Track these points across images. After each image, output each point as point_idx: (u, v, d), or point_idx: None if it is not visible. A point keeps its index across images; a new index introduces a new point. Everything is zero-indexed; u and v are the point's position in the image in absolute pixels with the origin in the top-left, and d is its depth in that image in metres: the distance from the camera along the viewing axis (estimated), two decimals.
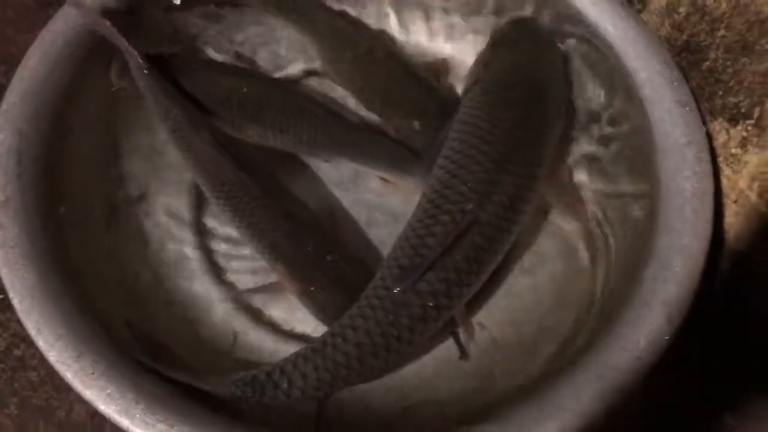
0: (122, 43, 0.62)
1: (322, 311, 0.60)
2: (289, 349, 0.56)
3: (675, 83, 0.60)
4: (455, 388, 0.58)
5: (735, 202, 0.58)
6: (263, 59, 0.74)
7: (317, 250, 0.60)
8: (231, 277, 0.65)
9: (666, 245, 0.54)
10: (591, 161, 0.66)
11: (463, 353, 0.60)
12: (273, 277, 0.62)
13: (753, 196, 0.56)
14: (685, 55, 0.64)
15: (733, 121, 0.59)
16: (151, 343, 0.55)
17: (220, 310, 0.63)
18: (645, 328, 0.51)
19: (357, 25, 0.72)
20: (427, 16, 0.75)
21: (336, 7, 0.73)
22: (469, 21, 0.73)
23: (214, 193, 0.62)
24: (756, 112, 0.56)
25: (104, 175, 0.65)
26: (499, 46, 0.65)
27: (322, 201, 0.68)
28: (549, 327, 0.59)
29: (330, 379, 0.51)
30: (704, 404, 0.57)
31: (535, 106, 0.60)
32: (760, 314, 0.56)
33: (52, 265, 0.53)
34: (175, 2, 0.69)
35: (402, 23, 0.75)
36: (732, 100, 0.59)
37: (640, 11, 0.68)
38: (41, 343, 0.50)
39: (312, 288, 0.59)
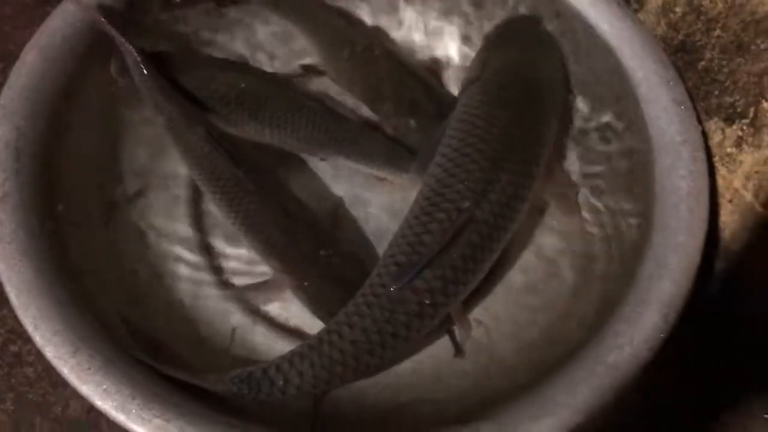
0: (118, 39, 0.62)
1: (316, 306, 0.60)
2: (286, 345, 0.56)
3: (671, 82, 0.60)
4: (451, 386, 0.58)
5: (730, 201, 0.58)
6: (261, 56, 0.74)
7: (311, 245, 0.60)
8: (229, 274, 0.65)
9: (661, 243, 0.54)
10: (587, 160, 0.66)
11: (459, 351, 0.60)
12: (269, 273, 0.62)
13: (748, 196, 0.56)
14: (681, 55, 0.64)
15: (729, 120, 0.59)
16: (148, 340, 0.55)
17: (217, 307, 0.63)
18: (641, 325, 0.51)
19: (354, 23, 0.73)
20: (425, 14, 0.75)
21: (334, 4, 0.73)
22: (467, 19, 0.74)
23: (209, 189, 0.62)
24: (751, 112, 0.57)
25: (102, 172, 0.65)
26: (496, 44, 0.66)
27: (320, 198, 0.68)
28: (545, 324, 0.60)
29: (326, 376, 0.51)
30: (701, 404, 0.58)
31: (531, 104, 0.60)
32: (756, 314, 0.56)
33: (50, 261, 0.53)
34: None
35: (400, 21, 0.75)
36: (727, 99, 0.59)
37: (636, 11, 0.69)
38: (38, 338, 0.50)
39: (305, 283, 0.59)
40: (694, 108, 0.60)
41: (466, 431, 0.48)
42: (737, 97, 0.58)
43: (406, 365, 0.59)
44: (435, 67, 0.75)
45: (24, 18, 0.75)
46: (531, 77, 0.62)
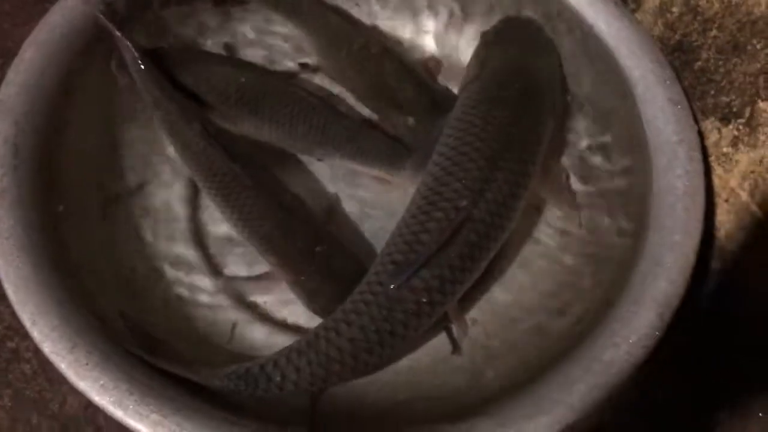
0: (115, 34, 0.62)
1: (312, 301, 0.60)
2: (283, 341, 0.56)
3: (667, 82, 0.61)
4: (448, 383, 0.58)
5: (726, 201, 0.59)
6: (260, 53, 0.75)
7: (307, 240, 0.60)
8: (226, 269, 0.65)
9: (657, 242, 0.54)
10: (584, 159, 0.66)
11: (456, 348, 0.60)
12: (265, 268, 0.62)
13: (744, 195, 0.57)
14: (678, 55, 0.64)
15: (725, 120, 0.59)
16: (145, 336, 0.54)
17: (215, 303, 0.63)
18: (636, 323, 0.51)
19: (352, 21, 0.73)
20: (424, 13, 0.75)
21: (332, 2, 0.73)
22: (465, 18, 0.74)
23: (206, 184, 0.62)
24: (747, 112, 0.57)
25: (101, 168, 0.65)
26: (494, 43, 0.66)
27: (317, 196, 0.68)
28: (541, 322, 0.60)
29: (323, 373, 0.51)
30: (699, 402, 0.58)
31: (529, 103, 0.60)
32: (752, 313, 0.56)
33: (48, 257, 0.53)
34: None
35: (399, 19, 0.76)
36: (723, 99, 0.60)
37: (634, 10, 0.69)
38: (35, 334, 0.50)
39: (302, 278, 0.60)
40: (691, 108, 0.60)
41: (463, 427, 0.49)
42: (733, 97, 0.58)
43: (403, 363, 0.59)
44: (433, 65, 0.75)
45: (23, 14, 0.75)
46: (528, 76, 0.62)
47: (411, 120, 0.67)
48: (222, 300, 0.63)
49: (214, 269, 0.65)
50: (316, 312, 0.60)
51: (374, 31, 0.75)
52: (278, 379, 0.51)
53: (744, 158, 0.57)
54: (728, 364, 0.57)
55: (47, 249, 0.54)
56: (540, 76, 0.63)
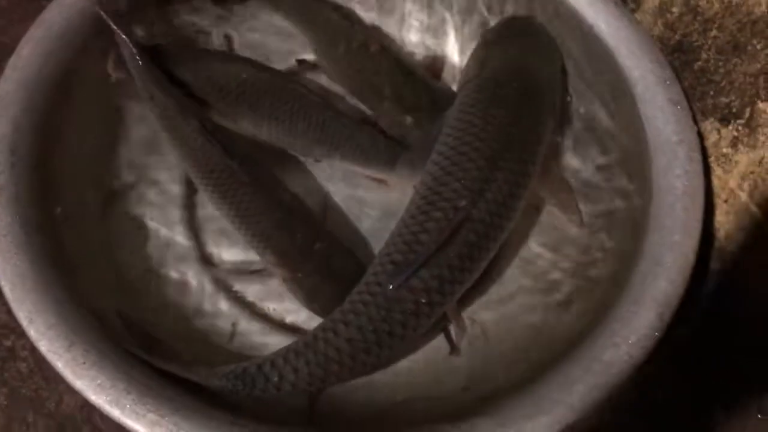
0: (115, 29, 0.62)
1: (309, 299, 0.60)
2: (281, 341, 0.56)
3: (667, 82, 0.60)
4: (447, 384, 0.58)
5: (725, 201, 0.59)
6: (258, 52, 0.74)
7: (306, 238, 0.60)
8: (224, 268, 0.65)
9: (657, 242, 0.54)
10: (583, 158, 0.66)
11: (454, 348, 0.60)
12: (261, 264, 0.62)
13: (743, 196, 0.57)
14: (678, 55, 0.64)
15: (724, 121, 0.59)
16: (143, 335, 0.54)
17: (212, 302, 0.63)
18: (635, 323, 0.51)
19: (351, 18, 0.72)
20: (423, 12, 0.75)
21: (331, 0, 0.73)
22: (465, 18, 0.74)
23: (203, 181, 0.62)
24: (747, 113, 0.57)
25: (98, 165, 0.65)
26: (493, 43, 0.66)
27: (315, 195, 0.68)
28: (540, 322, 0.60)
29: (322, 373, 0.51)
30: (698, 402, 0.58)
31: (529, 103, 0.60)
32: (752, 313, 0.56)
33: (45, 254, 0.53)
34: None
35: (397, 18, 0.75)
36: (723, 100, 0.59)
37: (633, 10, 0.69)
38: (32, 332, 0.49)
39: (300, 275, 0.59)
40: (690, 108, 0.60)
41: (464, 427, 0.48)
42: (733, 98, 0.58)
43: (402, 363, 0.59)
44: (432, 64, 0.75)
45: (19, 11, 0.75)
46: (528, 76, 0.62)
47: (409, 119, 0.67)
48: (220, 299, 0.63)
49: (212, 268, 0.65)
50: (314, 311, 0.60)
51: (373, 29, 0.75)
52: (276, 379, 0.51)
53: (743, 159, 0.57)
54: (728, 364, 0.57)
55: (45, 247, 0.54)
56: (540, 76, 0.63)
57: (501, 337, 0.60)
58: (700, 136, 0.60)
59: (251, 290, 0.64)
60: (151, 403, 0.47)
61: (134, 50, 0.62)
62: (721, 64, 0.60)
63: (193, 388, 0.50)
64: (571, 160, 0.67)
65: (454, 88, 0.71)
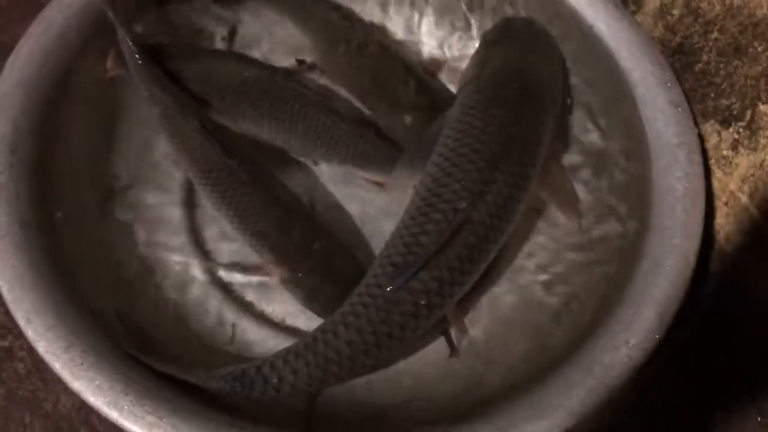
0: (118, 27, 0.62)
1: (309, 299, 0.60)
2: (280, 343, 0.56)
3: (668, 84, 0.61)
4: (446, 386, 0.58)
5: (725, 203, 0.59)
6: (258, 50, 0.74)
7: (304, 237, 0.60)
8: (222, 269, 0.65)
9: (657, 244, 0.54)
10: (584, 160, 0.66)
11: (454, 351, 0.60)
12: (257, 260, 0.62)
13: (743, 198, 0.57)
14: (679, 57, 0.64)
15: (725, 123, 0.59)
16: (141, 336, 0.54)
17: (211, 304, 0.63)
18: (635, 326, 0.51)
19: (351, 18, 0.72)
20: (423, 12, 0.75)
21: (332, 1, 0.73)
22: (465, 18, 0.74)
23: (202, 180, 0.61)
24: (747, 115, 0.57)
25: (97, 165, 0.65)
26: (494, 44, 0.66)
27: (315, 195, 0.68)
28: (540, 325, 0.60)
29: (321, 375, 0.51)
30: (698, 403, 0.58)
31: (529, 104, 0.60)
32: (752, 313, 0.56)
33: (43, 255, 0.53)
34: None
35: (397, 18, 0.75)
36: (724, 102, 0.59)
37: (634, 12, 0.69)
38: (30, 333, 0.49)
39: (299, 274, 0.59)
40: (691, 110, 0.60)
41: (464, 428, 0.48)
42: (734, 100, 0.58)
43: (402, 365, 0.59)
44: (432, 64, 0.74)
45: (18, 10, 0.74)
46: (529, 77, 0.61)
47: (409, 119, 0.67)
48: (219, 301, 0.63)
49: (209, 268, 0.65)
50: (313, 310, 0.60)
51: (373, 29, 0.74)
52: (275, 381, 0.50)
53: (744, 161, 0.57)
54: (728, 364, 0.57)
55: (43, 247, 0.53)
56: (540, 77, 0.62)
57: (500, 340, 0.60)
58: (701, 139, 0.60)
59: (250, 291, 0.64)
60: (149, 404, 0.47)
61: (134, 48, 0.62)
62: (722, 66, 0.60)
63: (192, 389, 0.50)
64: (571, 162, 0.67)
65: (453, 88, 0.71)
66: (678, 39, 0.64)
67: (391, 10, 0.76)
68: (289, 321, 0.63)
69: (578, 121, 0.67)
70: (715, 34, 0.60)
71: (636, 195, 0.59)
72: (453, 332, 0.60)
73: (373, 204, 0.68)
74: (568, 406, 0.48)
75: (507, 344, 0.60)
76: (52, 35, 0.61)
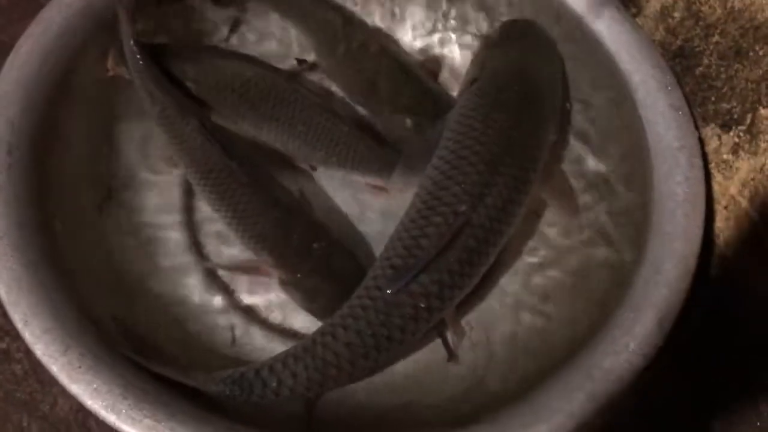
0: (124, 25, 0.61)
1: (308, 300, 0.60)
2: (279, 346, 0.55)
3: (669, 87, 0.60)
4: (446, 390, 0.57)
5: (725, 207, 0.59)
6: (258, 51, 0.74)
7: (303, 238, 0.59)
8: (221, 271, 0.65)
9: (657, 249, 0.54)
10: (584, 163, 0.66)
11: (452, 356, 0.60)
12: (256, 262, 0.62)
13: (743, 202, 0.57)
14: (679, 60, 0.64)
15: (726, 127, 0.59)
16: (139, 339, 0.54)
17: (210, 306, 0.62)
18: (636, 331, 0.51)
19: (351, 19, 0.72)
20: (423, 14, 0.75)
21: (331, 1, 0.72)
22: (465, 20, 0.73)
23: (201, 181, 0.61)
24: (748, 119, 0.57)
25: (96, 166, 0.65)
26: (495, 46, 0.65)
27: (313, 197, 0.67)
28: (540, 328, 0.60)
29: (320, 378, 0.51)
30: (699, 403, 0.58)
31: (530, 107, 0.60)
32: (750, 318, 0.56)
33: (41, 257, 0.53)
34: None
35: (397, 19, 0.75)
36: (724, 106, 0.59)
37: (635, 15, 0.69)
38: (27, 335, 0.49)
39: (298, 276, 0.59)
40: (691, 114, 0.60)
41: None
42: (734, 104, 0.58)
43: (401, 369, 0.59)
44: (432, 66, 0.74)
45: (18, 10, 0.74)
46: (529, 79, 0.61)
47: (409, 121, 0.67)
48: (218, 304, 0.62)
49: (208, 270, 0.65)
50: (312, 312, 0.60)
51: (373, 31, 0.74)
52: (274, 384, 0.50)
53: (744, 165, 0.57)
54: (728, 364, 0.57)
55: (41, 249, 0.53)
56: (541, 80, 0.62)
57: (500, 344, 0.60)
58: (701, 142, 0.60)
59: (249, 294, 0.64)
60: (147, 408, 0.47)
61: (136, 48, 0.61)
62: (722, 69, 0.60)
63: (190, 393, 0.50)
64: (570, 164, 0.67)
65: (454, 90, 0.71)
66: (679, 42, 0.64)
67: (393, 10, 0.75)
68: (289, 324, 0.63)
69: (577, 123, 0.67)
70: (716, 38, 0.60)
71: (636, 199, 0.59)
72: (451, 336, 0.60)
73: (372, 206, 0.68)
74: (567, 410, 0.48)
75: (506, 347, 0.60)
76: (52, 35, 0.60)
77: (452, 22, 0.74)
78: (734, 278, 0.58)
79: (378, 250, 0.57)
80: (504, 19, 0.70)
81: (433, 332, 0.59)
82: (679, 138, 0.58)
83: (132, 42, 0.61)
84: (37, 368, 0.60)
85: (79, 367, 0.48)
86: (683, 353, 0.58)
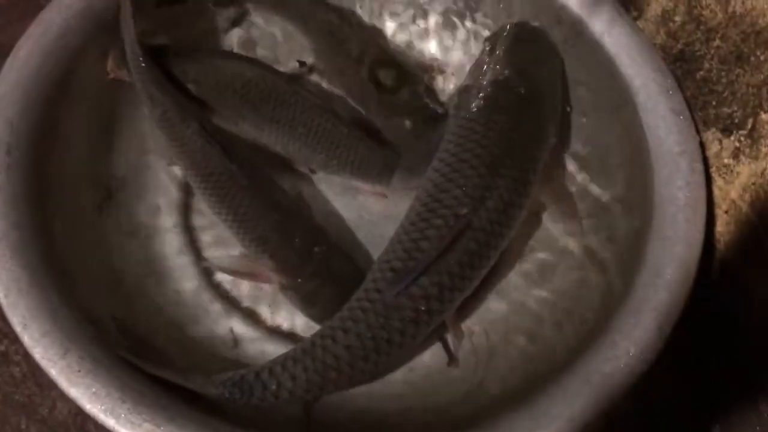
0: (127, 26, 0.61)
1: (308, 304, 0.60)
2: (278, 349, 0.55)
3: (670, 91, 0.60)
4: (445, 394, 0.57)
5: (726, 212, 0.59)
6: (258, 53, 0.74)
7: (304, 242, 0.59)
8: (220, 274, 0.64)
9: (658, 253, 0.54)
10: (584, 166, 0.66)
11: (452, 360, 0.59)
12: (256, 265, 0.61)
13: (744, 207, 0.57)
14: (680, 64, 0.64)
15: (726, 131, 0.59)
16: (139, 342, 0.54)
17: (210, 309, 0.62)
18: (636, 335, 0.51)
19: (352, 22, 0.72)
20: (424, 16, 0.75)
21: (332, 3, 0.72)
22: (466, 23, 0.73)
23: (201, 184, 0.61)
24: (749, 123, 0.57)
25: (95, 168, 0.64)
26: (495, 49, 0.65)
27: (313, 200, 0.67)
28: (540, 333, 0.59)
29: (320, 381, 0.51)
30: (698, 403, 0.58)
31: (530, 110, 0.60)
32: (750, 321, 0.56)
33: (40, 259, 0.52)
34: None
35: (398, 22, 0.75)
36: (725, 110, 0.59)
37: (636, 18, 0.68)
38: (26, 338, 0.49)
39: (298, 280, 0.59)
40: (692, 118, 0.60)
41: None
42: (735, 108, 0.58)
43: (400, 372, 0.59)
44: (432, 68, 0.74)
45: (17, 10, 0.74)
46: (530, 82, 0.61)
47: (409, 123, 0.67)
48: (217, 306, 0.62)
49: (207, 273, 0.64)
50: (312, 317, 0.60)
51: (374, 33, 0.74)
52: (273, 387, 0.50)
53: (745, 170, 0.57)
54: (728, 365, 0.57)
55: (40, 251, 0.53)
56: (542, 83, 0.62)
57: (500, 348, 0.60)
58: (702, 147, 0.60)
59: (249, 297, 0.63)
60: (146, 412, 0.46)
61: (138, 51, 0.61)
62: (723, 74, 0.60)
63: (189, 396, 0.50)
64: (571, 167, 0.67)
65: (454, 91, 0.71)
66: (680, 46, 0.64)
67: (393, 12, 0.75)
68: (288, 326, 0.62)
69: (578, 127, 0.67)
70: (717, 42, 0.60)
71: (636, 203, 0.59)
72: (451, 340, 0.60)
73: (372, 209, 0.68)
74: (567, 415, 0.48)
75: (507, 352, 0.60)
76: (51, 36, 0.60)
77: (452, 23, 0.74)
78: (735, 282, 0.58)
79: (377, 254, 0.57)
80: (504, 21, 0.70)
81: (434, 336, 0.59)
82: (680, 142, 0.58)
83: (135, 44, 0.61)
84: (35, 371, 0.60)
85: (78, 370, 0.48)
86: (683, 355, 0.58)
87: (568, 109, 0.66)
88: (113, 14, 0.62)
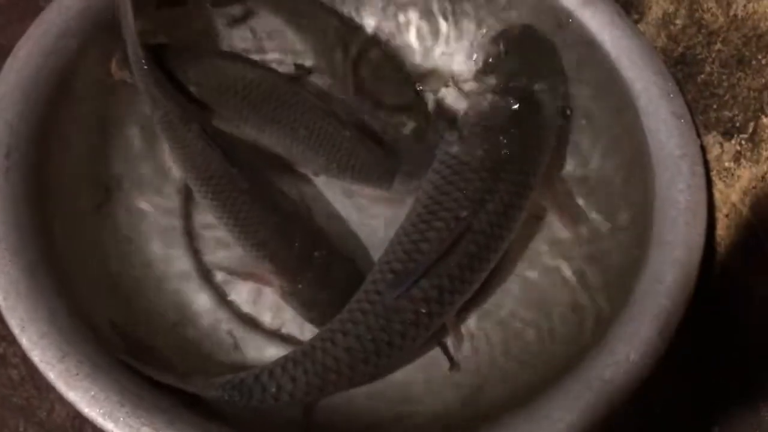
0: (130, 28, 0.61)
1: (309, 309, 0.59)
2: (278, 352, 0.55)
3: (671, 95, 0.60)
4: (446, 398, 0.57)
5: (726, 215, 0.59)
6: (258, 55, 0.73)
7: (304, 246, 0.59)
8: (218, 276, 0.64)
9: (659, 258, 0.54)
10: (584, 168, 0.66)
11: (453, 364, 0.59)
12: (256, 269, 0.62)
13: (745, 210, 0.57)
14: (681, 68, 0.64)
15: (727, 135, 0.59)
16: (137, 345, 0.54)
17: (209, 311, 0.62)
18: (636, 341, 0.51)
19: (352, 24, 0.72)
20: (424, 19, 0.75)
21: (332, 6, 0.72)
22: (466, 25, 0.73)
23: (201, 188, 0.61)
24: (750, 127, 0.57)
25: (94, 171, 0.64)
26: (497, 53, 0.65)
27: (313, 203, 0.67)
28: (541, 338, 0.59)
29: (319, 383, 0.51)
30: (698, 403, 0.58)
31: (531, 114, 0.60)
32: (750, 322, 0.56)
33: (39, 261, 0.52)
34: None
35: (398, 25, 0.75)
36: (726, 114, 0.59)
37: (637, 21, 0.68)
38: (24, 341, 0.49)
39: (299, 286, 0.59)
40: (693, 121, 0.60)
41: None
42: (736, 112, 0.58)
43: (400, 375, 0.58)
44: (431, 71, 0.74)
45: (17, 11, 0.74)
46: (530, 86, 0.61)
47: (409, 125, 0.67)
48: (217, 309, 0.62)
49: (207, 275, 0.64)
50: (312, 321, 0.60)
51: (373, 35, 0.74)
52: (273, 389, 0.50)
53: (746, 173, 0.57)
54: (728, 364, 0.57)
55: (39, 252, 0.53)
56: (542, 86, 0.62)
57: (501, 352, 0.60)
58: (703, 150, 0.60)
59: (249, 300, 0.63)
60: (145, 415, 0.46)
61: (141, 53, 0.61)
62: (724, 77, 0.60)
63: (188, 400, 0.50)
64: (571, 169, 0.67)
65: (455, 93, 0.71)
66: (681, 49, 0.64)
67: (393, 15, 0.75)
68: (288, 329, 0.62)
69: (578, 130, 0.67)
70: (718, 45, 0.60)
71: (638, 206, 0.59)
72: (450, 343, 0.59)
73: (372, 211, 0.68)
74: (568, 420, 0.48)
75: (507, 356, 0.59)
76: (51, 37, 0.60)
77: (452, 26, 0.74)
78: (735, 285, 0.58)
79: (377, 256, 0.57)
80: (505, 25, 0.70)
81: (433, 339, 0.59)
82: (681, 146, 0.58)
83: (137, 46, 0.61)
84: (34, 374, 0.60)
85: (77, 374, 0.47)
86: (683, 355, 0.58)
87: (569, 112, 0.66)
88: (115, 17, 0.61)
